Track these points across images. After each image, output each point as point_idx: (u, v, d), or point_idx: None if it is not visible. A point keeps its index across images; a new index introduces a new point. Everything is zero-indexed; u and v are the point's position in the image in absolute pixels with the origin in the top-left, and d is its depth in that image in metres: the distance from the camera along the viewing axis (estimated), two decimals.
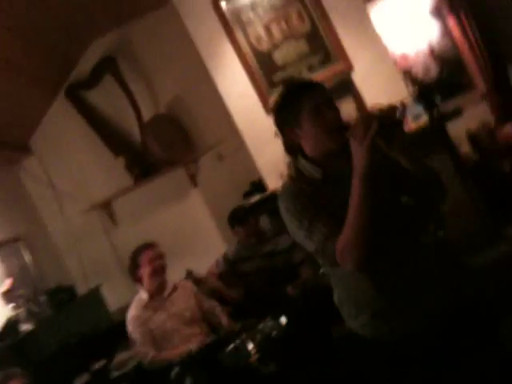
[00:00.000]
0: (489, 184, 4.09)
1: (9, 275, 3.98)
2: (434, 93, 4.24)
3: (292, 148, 1.84)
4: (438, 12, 4.67)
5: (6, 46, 3.61)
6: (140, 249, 3.39)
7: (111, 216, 5.03)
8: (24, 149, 4.93)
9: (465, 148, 4.37)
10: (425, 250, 1.74)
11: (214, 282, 3.75)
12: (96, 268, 4.95)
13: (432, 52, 4.68)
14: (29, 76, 4.21)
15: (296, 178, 1.80)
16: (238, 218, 3.81)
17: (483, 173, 4.15)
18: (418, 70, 4.62)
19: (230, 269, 3.81)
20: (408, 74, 4.35)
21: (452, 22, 4.65)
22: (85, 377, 3.16)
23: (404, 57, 4.63)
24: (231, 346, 2.93)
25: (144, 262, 3.30)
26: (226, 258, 3.87)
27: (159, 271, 3.32)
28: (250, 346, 2.89)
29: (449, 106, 4.52)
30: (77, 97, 4.89)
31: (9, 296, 3.66)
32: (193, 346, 3.09)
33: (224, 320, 3.34)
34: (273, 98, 1.81)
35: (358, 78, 4.16)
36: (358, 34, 4.16)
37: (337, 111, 1.76)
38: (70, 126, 4.96)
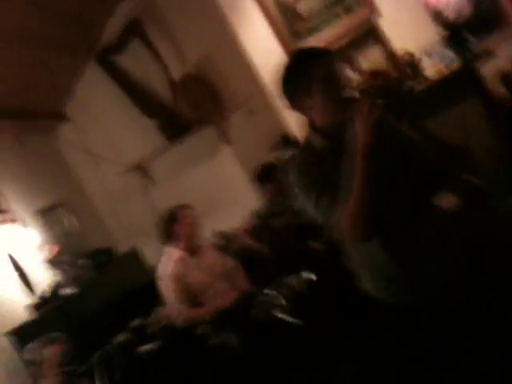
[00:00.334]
0: None
1: (53, 241, 4.18)
2: (466, 35, 4.03)
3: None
4: None
5: (28, 16, 3.68)
6: (179, 207, 3.47)
7: (147, 177, 5.16)
8: (59, 116, 5.08)
9: (499, 90, 4.16)
10: (438, 215, 1.74)
11: (243, 238, 3.81)
12: (136, 228, 5.12)
13: None
14: (56, 45, 4.29)
15: (305, 148, 1.80)
16: (265, 176, 3.82)
17: None
18: (450, 10, 4.39)
19: (262, 224, 3.86)
20: (438, 17, 4.13)
21: None
22: (123, 335, 3.31)
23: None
24: (258, 299, 3.04)
25: (182, 219, 3.38)
26: (257, 214, 3.91)
27: (195, 231, 3.41)
28: (277, 300, 2.98)
29: (482, 45, 4.32)
30: (107, 62, 4.95)
31: (54, 262, 3.84)
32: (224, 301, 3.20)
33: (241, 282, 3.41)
34: (279, 69, 1.75)
35: (385, 24, 4.01)
36: None
37: (345, 80, 1.72)
38: (102, 91, 5.05)
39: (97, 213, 5.20)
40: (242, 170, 4.94)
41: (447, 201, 3.63)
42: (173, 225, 3.40)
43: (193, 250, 3.40)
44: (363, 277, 1.82)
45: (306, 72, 1.68)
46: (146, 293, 3.91)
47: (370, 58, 4.06)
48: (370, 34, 4.03)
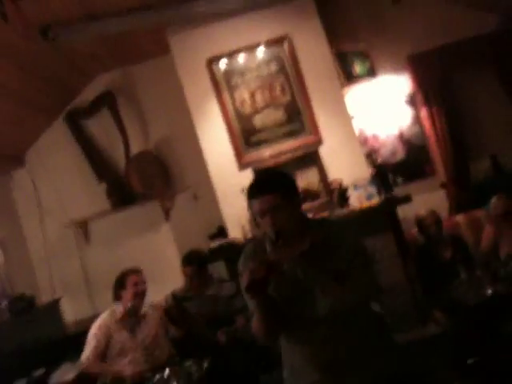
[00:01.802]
0: (429, 267, 4.44)
1: None
2: (390, 177, 4.65)
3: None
4: (412, 101, 5.10)
5: (3, 73, 4.02)
6: (129, 272, 3.79)
7: (86, 235, 5.41)
8: (17, 160, 5.34)
9: (412, 231, 4.74)
10: (352, 328, 2.04)
11: (158, 314, 4.09)
12: (63, 282, 5.31)
13: (401, 136, 5.10)
14: (28, 101, 4.64)
15: (255, 247, 2.14)
16: (187, 260, 4.16)
17: (426, 256, 4.50)
18: (384, 152, 5.03)
19: (176, 305, 4.15)
20: (370, 156, 4.74)
21: (424, 113, 5.07)
22: (23, 382, 3.47)
23: (374, 137, 5.05)
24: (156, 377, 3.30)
25: (130, 284, 3.71)
26: (173, 294, 4.21)
27: (140, 295, 3.73)
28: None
29: (409, 188, 4.94)
30: (74, 123, 5.33)
31: None
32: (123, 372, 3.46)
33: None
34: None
35: (325, 152, 4.57)
36: (332, 113, 4.58)
37: (281, 215, 1.99)
38: (63, 147, 5.38)
39: (29, 258, 5.36)
40: (176, 247, 5.28)
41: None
42: (120, 288, 3.73)
43: (135, 312, 3.71)
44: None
45: (250, 201, 2.04)
46: (58, 346, 4.10)
47: (307, 178, 4.57)
48: (311, 157, 4.56)
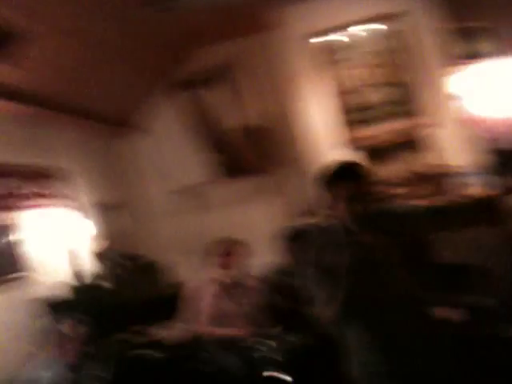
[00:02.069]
0: None
1: (106, 237, 4.82)
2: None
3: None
4: None
5: (132, 41, 4.35)
6: (228, 241, 4.02)
7: (201, 201, 5.73)
8: (139, 127, 5.74)
9: None
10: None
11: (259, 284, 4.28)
12: (180, 245, 5.71)
13: None
14: (144, 68, 4.96)
15: (319, 233, 2.20)
16: (291, 237, 4.26)
17: None
18: (505, 138, 4.69)
19: (278, 279, 4.30)
20: (492, 142, 4.43)
21: None
22: (124, 335, 3.87)
23: (496, 121, 4.72)
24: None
25: (233, 256, 3.92)
26: (276, 268, 4.36)
27: (240, 264, 3.94)
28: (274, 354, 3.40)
29: None
30: (192, 92, 5.56)
31: (100, 256, 4.48)
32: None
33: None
34: (323, 171, 2.20)
35: (437, 135, 4.37)
36: (447, 94, 4.35)
37: (365, 204, 2.10)
38: (181, 115, 5.67)
39: (151, 221, 5.83)
40: (284, 220, 5.41)
41: (447, 313, 3.95)
42: (225, 256, 3.92)
43: (236, 280, 3.92)
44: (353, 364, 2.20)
45: (333, 187, 2.11)
46: (169, 305, 4.46)
47: (417, 161, 4.43)
48: (421, 139, 4.40)
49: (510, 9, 4.62)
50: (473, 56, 4.66)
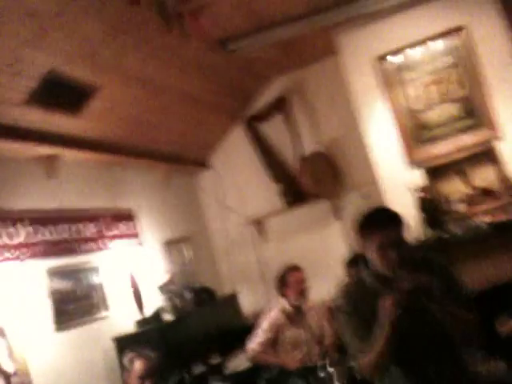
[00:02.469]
0: None
1: (169, 270, 4.88)
2: None
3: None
4: None
5: (194, 84, 4.51)
6: (290, 269, 4.04)
7: (262, 232, 5.76)
8: (202, 164, 5.90)
9: None
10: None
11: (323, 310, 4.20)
12: (242, 275, 5.73)
13: None
14: (210, 106, 5.12)
15: (356, 283, 2.22)
16: (352, 261, 4.18)
17: None
18: None
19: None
20: None
21: None
22: (201, 368, 3.85)
23: None
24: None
25: (292, 282, 3.96)
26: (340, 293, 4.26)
27: (303, 292, 3.96)
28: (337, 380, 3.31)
29: None
30: (252, 126, 5.71)
31: (164, 289, 4.51)
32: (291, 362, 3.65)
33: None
34: (357, 216, 2.14)
35: (506, 148, 4.23)
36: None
37: (399, 249, 2.02)
38: (243, 149, 5.82)
39: (212, 254, 5.89)
40: (344, 245, 5.33)
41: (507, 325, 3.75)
42: (283, 286, 3.98)
43: (298, 307, 3.93)
44: None
45: (367, 234, 2.05)
46: (235, 336, 4.44)
47: (485, 176, 4.29)
48: (489, 153, 4.25)
49: None
50: None
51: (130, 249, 4.62)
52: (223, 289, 5.62)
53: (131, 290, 4.26)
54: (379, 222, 2.06)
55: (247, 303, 5.52)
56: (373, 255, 2.05)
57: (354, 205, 5.33)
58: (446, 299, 1.97)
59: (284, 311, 3.92)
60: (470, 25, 4.31)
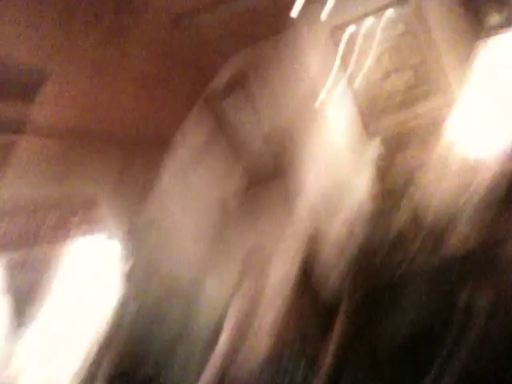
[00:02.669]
0: None
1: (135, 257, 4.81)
2: None
3: None
4: None
5: (144, 61, 4.45)
6: (257, 252, 3.99)
7: (228, 214, 5.73)
8: (166, 145, 5.80)
9: None
10: None
11: None
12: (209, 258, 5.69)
13: None
14: (171, 87, 5.04)
15: None
16: None
17: None
18: None
19: None
20: None
21: None
22: None
23: None
24: None
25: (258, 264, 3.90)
26: None
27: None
28: None
29: None
30: (212, 103, 5.64)
31: (129, 276, 4.49)
32: None
33: None
34: None
35: (459, 114, 4.32)
36: (465, 72, 4.31)
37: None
38: (205, 128, 5.73)
39: (179, 239, 5.81)
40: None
41: None
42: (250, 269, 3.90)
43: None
44: None
45: None
46: None
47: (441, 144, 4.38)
48: (444, 120, 4.35)
49: None
50: (487, 29, 4.63)
51: (95, 236, 4.56)
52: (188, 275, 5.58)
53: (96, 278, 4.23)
54: None
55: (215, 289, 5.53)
56: None
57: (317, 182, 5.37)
58: None
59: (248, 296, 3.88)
60: None
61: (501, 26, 4.66)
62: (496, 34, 4.68)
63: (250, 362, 3.60)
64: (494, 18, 4.66)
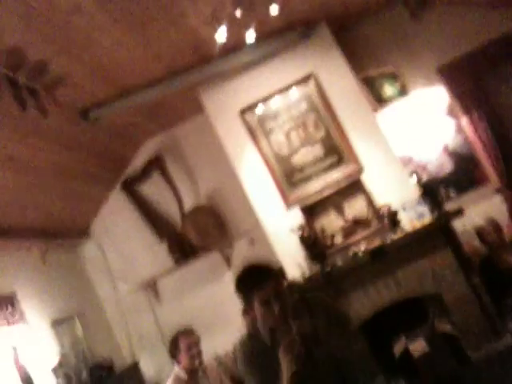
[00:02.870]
0: (494, 276, 4.29)
1: (61, 351, 4.61)
2: (439, 193, 4.58)
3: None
4: (451, 112, 5.03)
5: (60, 155, 4.41)
6: (179, 335, 3.86)
7: (156, 294, 5.65)
8: (84, 234, 5.71)
9: (471, 243, 4.60)
10: None
11: (228, 364, 4.18)
12: (141, 341, 5.55)
13: (446, 148, 5.02)
14: (83, 176, 5.02)
15: (253, 335, 2.19)
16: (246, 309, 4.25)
17: (490, 265, 4.36)
18: (431, 168, 4.96)
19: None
20: (416, 175, 4.66)
21: (465, 121, 4.97)
22: None
23: (417, 155, 5.01)
24: None
25: (183, 347, 3.77)
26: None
27: (196, 356, 3.78)
28: None
29: (463, 199, 4.84)
30: (130, 189, 5.67)
31: (58, 372, 4.24)
32: None
33: None
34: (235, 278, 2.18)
35: (369, 178, 4.57)
36: (368, 139, 4.60)
37: (281, 301, 2.06)
38: (123, 214, 5.71)
39: (107, 325, 5.65)
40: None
41: (416, 345, 3.99)
42: (176, 353, 3.81)
43: (194, 371, 3.77)
44: None
45: (248, 292, 2.08)
46: None
47: (356, 208, 4.58)
48: (356, 186, 4.57)
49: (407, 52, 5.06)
50: (383, 100, 5.00)
51: (15, 334, 4.31)
52: (124, 360, 5.39)
53: (19, 377, 3.97)
54: (254, 281, 2.08)
55: (151, 371, 5.35)
56: (257, 312, 2.08)
57: (244, 251, 5.44)
58: (331, 336, 2.04)
59: (178, 379, 3.75)
60: (317, 71, 4.69)
61: (395, 97, 5.07)
62: (392, 103, 5.08)
63: None
64: (389, 90, 5.06)
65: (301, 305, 2.19)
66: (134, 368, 5.09)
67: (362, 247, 4.31)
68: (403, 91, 5.05)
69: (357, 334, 2.23)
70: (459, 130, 5.02)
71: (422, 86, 5.05)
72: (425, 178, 4.49)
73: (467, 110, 4.95)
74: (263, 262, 2.31)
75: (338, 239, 4.50)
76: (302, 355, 1.96)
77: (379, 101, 5.01)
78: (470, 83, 4.88)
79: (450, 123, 5.05)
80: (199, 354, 3.81)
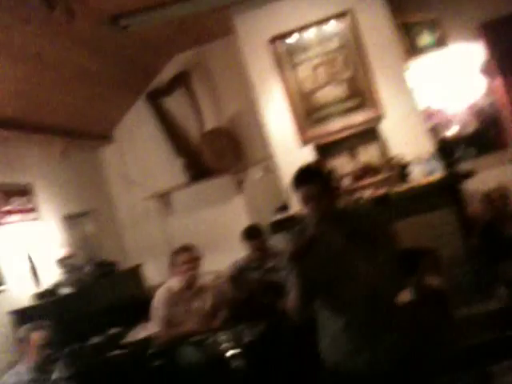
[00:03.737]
0: (494, 243, 4.33)
1: (71, 245, 4.90)
2: (456, 151, 4.55)
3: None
4: (486, 71, 4.88)
5: (89, 59, 4.48)
6: (178, 250, 4.10)
7: (167, 206, 5.87)
8: (106, 138, 5.88)
9: (477, 206, 4.61)
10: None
11: (220, 283, 4.41)
12: (147, 248, 5.83)
13: (474, 107, 4.92)
14: (109, 81, 5.10)
15: (302, 227, 2.26)
16: (248, 235, 4.41)
17: (491, 231, 4.40)
18: (455, 125, 4.89)
19: (238, 274, 4.45)
20: (436, 130, 4.62)
21: (498, 82, 4.84)
22: (98, 338, 3.96)
23: (442, 111, 4.92)
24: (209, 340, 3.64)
25: (181, 262, 4.01)
26: (236, 264, 4.50)
27: (191, 271, 3.99)
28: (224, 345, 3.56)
29: (480, 161, 4.80)
30: (154, 101, 5.75)
31: (63, 263, 4.54)
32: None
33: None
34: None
35: (387, 127, 4.55)
36: (393, 88, 4.53)
37: (319, 204, 2.16)
38: (146, 125, 5.85)
39: (117, 227, 5.94)
40: (247, 219, 5.55)
41: (402, 296, 4.14)
42: (173, 266, 4.06)
43: (188, 285, 4.01)
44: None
45: (296, 189, 2.21)
46: (137, 308, 4.56)
47: (369, 154, 4.60)
48: (373, 132, 4.57)
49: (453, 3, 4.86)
50: (419, 49, 4.87)
51: (26, 224, 4.58)
52: (129, 262, 5.69)
53: (28, 265, 4.26)
54: (299, 178, 2.23)
55: (154, 275, 5.65)
56: (308, 209, 2.21)
57: (256, 180, 5.55)
58: (371, 253, 2.16)
59: (169, 290, 4.00)
60: (355, 10, 4.55)
61: (431, 47, 4.92)
62: (426, 53, 4.94)
63: None
64: (426, 39, 4.91)
65: (351, 215, 2.36)
66: (135, 270, 5.37)
67: (367, 194, 4.37)
68: (440, 42, 4.89)
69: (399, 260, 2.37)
70: (490, 90, 4.89)
71: (461, 39, 4.88)
72: (447, 133, 4.43)
73: (503, 72, 4.80)
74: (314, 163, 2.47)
75: (345, 182, 4.56)
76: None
77: (414, 49, 4.87)
78: (511, 45, 4.70)
79: (483, 82, 4.92)
80: (195, 270, 4.02)
